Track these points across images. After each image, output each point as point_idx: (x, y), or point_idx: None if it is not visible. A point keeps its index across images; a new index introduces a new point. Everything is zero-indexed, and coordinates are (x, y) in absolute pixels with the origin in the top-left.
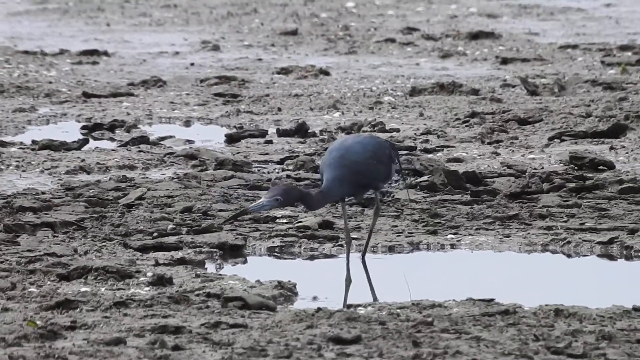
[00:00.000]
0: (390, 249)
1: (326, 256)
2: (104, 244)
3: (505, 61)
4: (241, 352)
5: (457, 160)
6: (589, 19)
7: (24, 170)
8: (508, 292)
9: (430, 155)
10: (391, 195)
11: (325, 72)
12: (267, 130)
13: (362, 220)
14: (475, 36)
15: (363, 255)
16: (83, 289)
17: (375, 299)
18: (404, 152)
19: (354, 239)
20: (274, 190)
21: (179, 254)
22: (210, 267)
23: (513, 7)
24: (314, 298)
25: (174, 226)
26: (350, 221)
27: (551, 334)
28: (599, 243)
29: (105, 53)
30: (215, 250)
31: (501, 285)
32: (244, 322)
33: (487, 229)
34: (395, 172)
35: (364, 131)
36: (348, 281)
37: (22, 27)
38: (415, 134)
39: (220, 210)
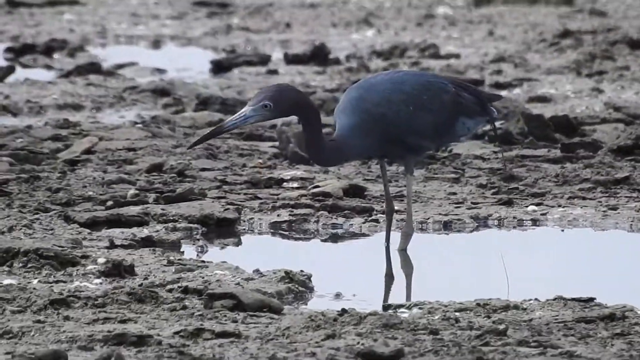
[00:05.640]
0: (446, 226)
1: (354, 236)
2: (36, 216)
3: None
4: None
5: (542, 99)
6: None
7: None
8: (613, 289)
9: (504, 93)
10: (449, 150)
11: None
12: (270, 56)
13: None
14: None
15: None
16: (7, 282)
17: (422, 297)
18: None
19: (396, 211)
20: (261, 93)
21: (143, 232)
22: (189, 251)
23: None
24: (337, 295)
25: (137, 192)
26: (391, 186)
27: None
28: None
29: None
30: (195, 226)
31: (603, 279)
32: (237, 329)
33: (584, 198)
34: (466, 130)
35: (409, 57)
36: (388, 275)
37: None
38: (482, 61)
39: (203, 170)
